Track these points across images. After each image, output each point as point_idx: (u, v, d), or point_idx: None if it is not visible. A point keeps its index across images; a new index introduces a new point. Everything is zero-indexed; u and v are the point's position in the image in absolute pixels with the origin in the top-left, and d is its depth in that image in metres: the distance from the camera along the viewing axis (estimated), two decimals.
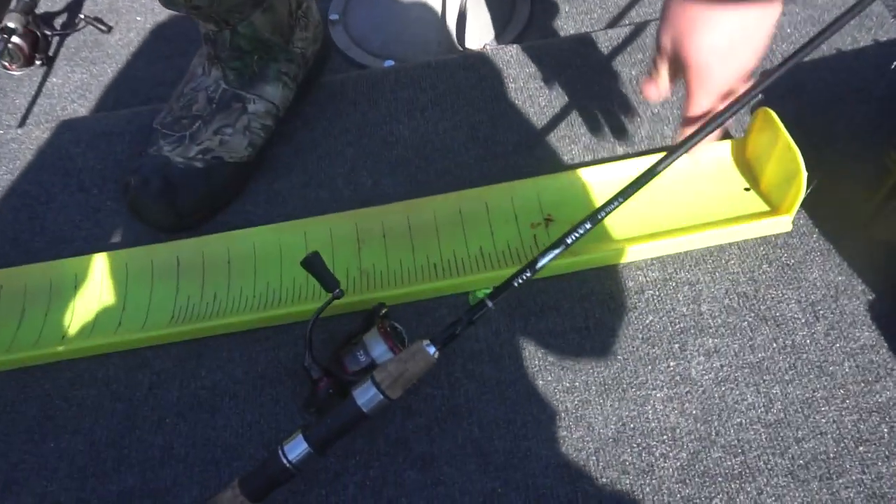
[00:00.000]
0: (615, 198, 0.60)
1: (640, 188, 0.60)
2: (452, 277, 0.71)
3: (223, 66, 0.77)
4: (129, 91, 1.10)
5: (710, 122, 0.61)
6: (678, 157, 0.61)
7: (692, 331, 0.67)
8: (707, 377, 0.65)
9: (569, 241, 0.58)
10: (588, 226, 0.59)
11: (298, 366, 0.68)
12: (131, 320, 0.72)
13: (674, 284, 0.70)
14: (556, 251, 0.58)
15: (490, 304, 0.58)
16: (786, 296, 0.69)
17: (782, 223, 0.71)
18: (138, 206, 0.77)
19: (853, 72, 0.84)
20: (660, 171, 0.61)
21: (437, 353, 0.56)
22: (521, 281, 0.58)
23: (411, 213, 0.76)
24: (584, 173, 0.77)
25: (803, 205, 0.68)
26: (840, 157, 0.77)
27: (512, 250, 0.73)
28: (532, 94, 0.87)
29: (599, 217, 0.59)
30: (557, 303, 0.70)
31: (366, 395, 0.56)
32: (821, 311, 0.67)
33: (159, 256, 0.76)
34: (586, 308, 0.69)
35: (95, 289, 0.74)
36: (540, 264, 0.58)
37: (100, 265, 0.75)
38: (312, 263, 0.64)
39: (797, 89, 0.83)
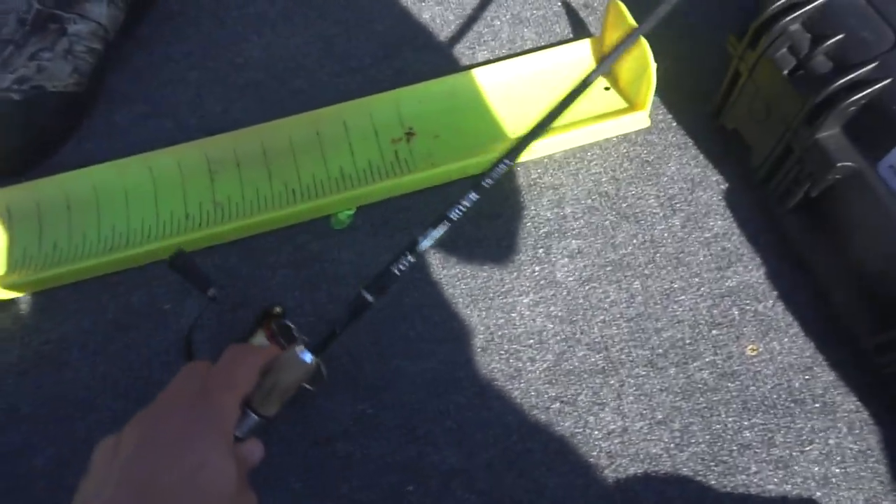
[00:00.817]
0: (500, 161, 0.53)
1: (528, 144, 0.55)
2: (312, 200, 0.68)
3: None
4: None
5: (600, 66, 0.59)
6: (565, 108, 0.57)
7: (556, 234, 0.67)
8: (571, 278, 0.65)
9: (452, 215, 0.52)
10: (473, 196, 0.52)
11: (153, 309, 0.64)
12: None
13: (538, 189, 0.70)
14: (440, 229, 0.52)
15: (370, 297, 0.50)
16: (645, 192, 0.69)
17: (639, 119, 0.71)
18: None
19: None
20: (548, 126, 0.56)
21: (313, 360, 0.48)
22: (402, 267, 0.51)
23: (265, 137, 0.72)
24: (444, 82, 0.74)
25: (662, 101, 0.68)
26: (691, 46, 0.77)
27: (374, 168, 0.70)
28: (388, 1, 0.82)
29: (484, 184, 0.53)
30: (421, 217, 0.68)
31: (241, 425, 0.46)
32: (677, 205, 0.69)
33: None
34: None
35: None
36: (422, 245, 0.51)
37: None
38: (177, 264, 0.56)
39: None
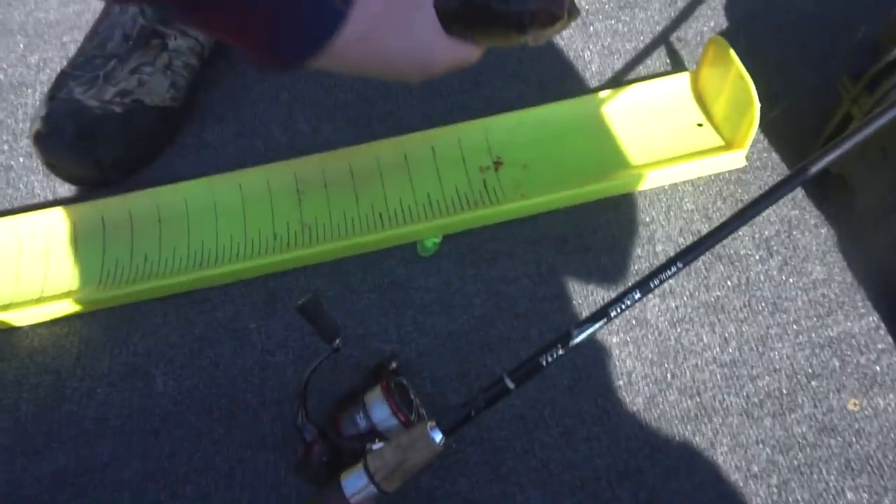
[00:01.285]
0: (673, 262, 0.48)
1: (707, 248, 0.50)
2: (399, 226, 0.67)
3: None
4: (37, 37, 1.00)
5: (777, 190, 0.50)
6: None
7: (647, 272, 0.65)
8: (662, 319, 0.63)
9: (612, 312, 0.47)
10: (637, 295, 0.48)
11: (238, 327, 0.64)
12: (54, 287, 0.66)
13: (628, 225, 0.68)
14: (597, 325, 0.47)
15: (511, 385, 0.47)
16: (740, 232, 0.67)
17: (735, 158, 0.69)
18: (52, 157, 0.70)
19: None
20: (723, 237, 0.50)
21: (442, 440, 0.46)
22: (551, 359, 0.47)
23: (353, 159, 0.72)
24: (534, 112, 0.73)
25: (758, 138, 0.66)
26: (793, 86, 0.75)
27: (461, 195, 0.69)
28: None
29: (651, 286, 0.48)
30: (509, 248, 0.67)
31: (356, 485, 0.46)
32: (774, 247, 0.66)
33: (82, 217, 0.70)
34: (539, 253, 0.67)
35: (13, 256, 0.68)
36: (575, 340, 0.47)
37: (16, 229, 0.69)
38: (309, 310, 0.51)
39: (747, 18, 0.80)
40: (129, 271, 0.67)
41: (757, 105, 0.63)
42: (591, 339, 0.62)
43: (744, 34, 0.78)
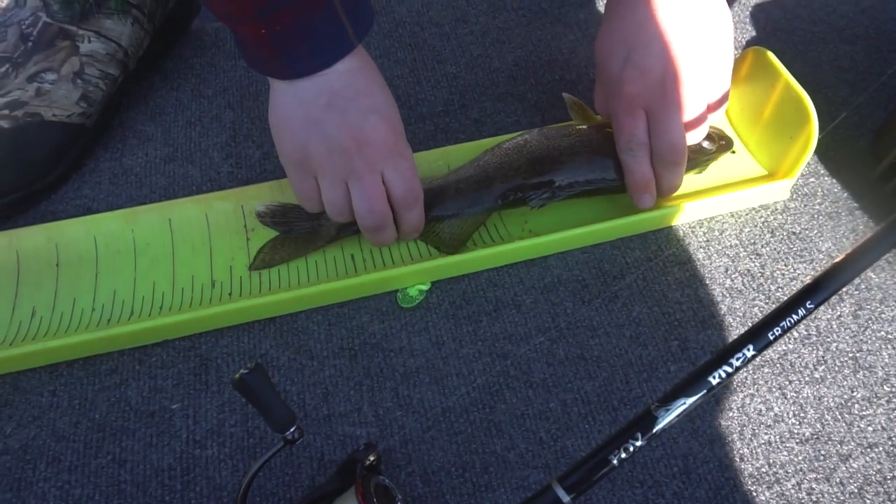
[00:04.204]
0: (741, 347, 0.33)
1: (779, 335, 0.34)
2: (376, 270, 0.52)
3: None
4: None
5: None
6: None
7: (691, 323, 0.52)
8: (718, 382, 0.49)
9: (713, 380, 0.33)
10: (751, 351, 0.33)
11: (156, 409, 0.47)
12: None
13: (661, 265, 0.55)
14: (695, 398, 0.32)
15: (566, 498, 0.31)
16: (797, 271, 0.54)
17: (780, 189, 0.57)
18: None
19: (831, 8, 0.72)
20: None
21: None
22: (625, 454, 0.31)
23: None
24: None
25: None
26: (832, 103, 0.64)
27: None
28: (462, 40, 0.70)
29: (712, 379, 0.33)
30: (516, 297, 0.53)
31: None
32: (843, 288, 0.53)
33: None
34: (554, 302, 0.53)
35: None
36: (662, 424, 0.32)
37: None
38: (251, 385, 0.35)
39: (776, 31, 0.71)
40: (6, 329, 0.49)
41: (815, 123, 0.52)
42: (632, 412, 0.47)
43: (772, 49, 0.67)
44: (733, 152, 0.60)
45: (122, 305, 0.51)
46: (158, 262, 0.53)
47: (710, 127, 0.55)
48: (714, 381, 0.32)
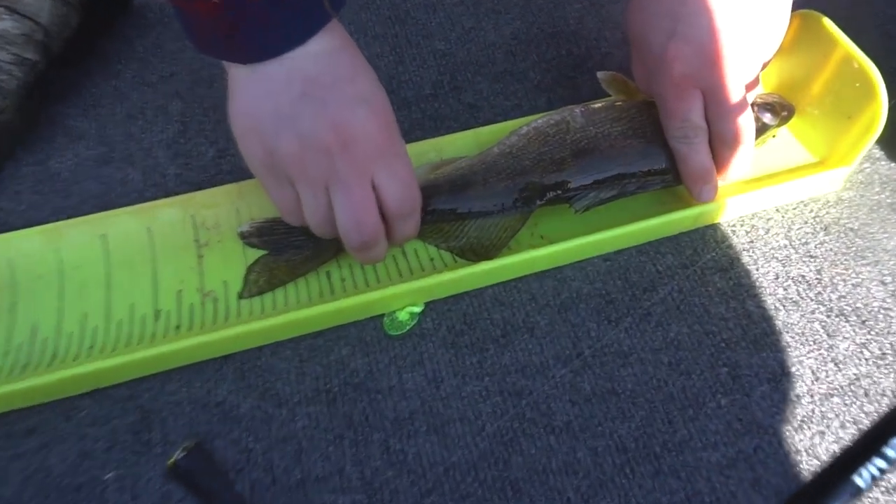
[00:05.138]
0: None
1: None
2: (359, 291, 0.43)
3: None
4: None
5: None
6: None
7: (742, 343, 0.43)
8: (780, 418, 0.40)
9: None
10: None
11: (84, 480, 0.37)
12: None
13: (699, 273, 0.46)
14: None
15: None
16: (861, 275, 0.46)
17: (833, 179, 0.48)
18: None
19: None
20: None
21: None
22: None
23: None
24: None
25: None
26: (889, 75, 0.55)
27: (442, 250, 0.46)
28: (451, 11, 0.61)
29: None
30: (528, 318, 0.44)
31: None
32: None
33: None
34: (574, 324, 0.43)
35: None
36: None
37: None
38: (190, 470, 0.29)
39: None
40: None
41: (883, 100, 0.43)
42: (678, 460, 0.38)
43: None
44: (774, 136, 0.51)
45: (43, 346, 0.41)
46: (89, 290, 0.43)
47: (768, 94, 0.47)
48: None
